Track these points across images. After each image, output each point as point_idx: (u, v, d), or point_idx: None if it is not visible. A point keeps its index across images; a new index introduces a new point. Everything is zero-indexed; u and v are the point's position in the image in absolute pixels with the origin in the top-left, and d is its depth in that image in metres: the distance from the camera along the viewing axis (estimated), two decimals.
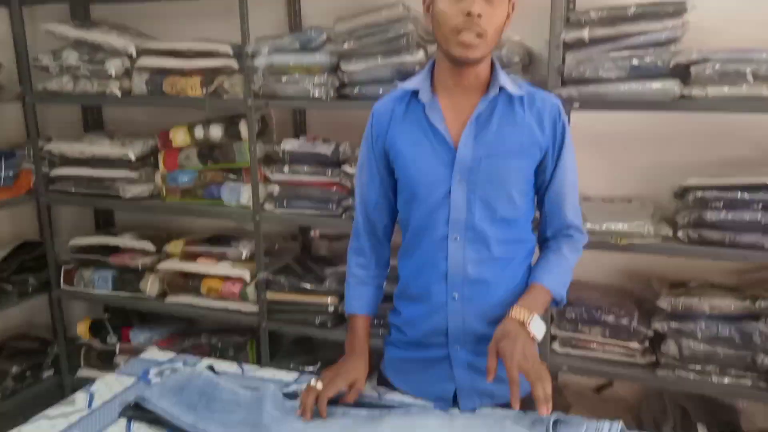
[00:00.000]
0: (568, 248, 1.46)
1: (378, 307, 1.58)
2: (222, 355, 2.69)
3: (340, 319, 2.36)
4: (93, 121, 2.95)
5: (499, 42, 1.96)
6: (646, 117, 2.11)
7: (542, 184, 1.45)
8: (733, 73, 1.75)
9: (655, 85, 1.79)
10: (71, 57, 2.50)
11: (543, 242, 1.52)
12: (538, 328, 1.30)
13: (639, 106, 1.86)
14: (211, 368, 1.59)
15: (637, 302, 2.19)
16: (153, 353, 1.76)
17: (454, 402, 1.46)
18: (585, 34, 1.86)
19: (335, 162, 2.28)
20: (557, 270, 1.43)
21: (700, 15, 1.83)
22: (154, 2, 2.69)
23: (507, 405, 1.43)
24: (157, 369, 1.61)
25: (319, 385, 1.38)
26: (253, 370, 1.64)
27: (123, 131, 2.76)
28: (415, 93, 1.41)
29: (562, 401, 2.33)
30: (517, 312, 1.31)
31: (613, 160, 2.24)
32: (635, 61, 1.80)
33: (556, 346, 2.13)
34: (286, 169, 2.33)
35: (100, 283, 2.74)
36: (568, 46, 1.92)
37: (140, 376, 1.58)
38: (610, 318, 2.04)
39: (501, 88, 1.36)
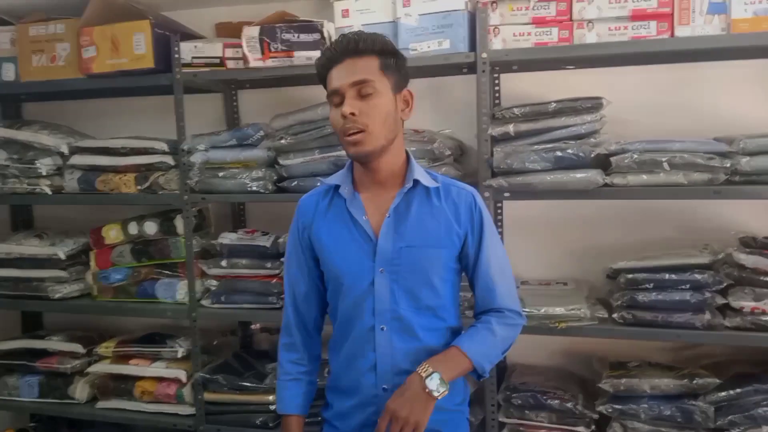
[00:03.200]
0: (498, 322, 1.45)
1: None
2: None
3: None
4: (22, 220, 2.86)
5: (430, 136, 2.06)
6: (574, 203, 2.19)
7: (469, 271, 1.48)
8: (650, 162, 1.85)
9: (579, 175, 1.87)
10: (0, 156, 2.44)
11: None
12: (435, 384, 1.31)
13: (565, 195, 1.94)
14: None
15: (581, 384, 2.20)
16: None
17: None
18: (510, 128, 1.94)
19: (275, 254, 2.26)
20: (480, 339, 1.43)
21: (616, 108, 1.95)
22: (88, 100, 2.70)
23: None
24: None
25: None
26: None
27: (54, 230, 2.67)
28: (337, 188, 1.46)
29: None
30: (421, 367, 1.34)
31: (546, 244, 2.31)
32: (558, 153, 1.88)
33: None
34: (224, 263, 2.29)
35: (25, 390, 2.57)
36: (495, 140, 2.00)
37: None
38: (556, 402, 2.03)
39: (416, 181, 1.42)
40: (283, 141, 2.16)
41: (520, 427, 2.09)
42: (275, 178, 2.23)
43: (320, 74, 1.41)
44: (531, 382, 2.13)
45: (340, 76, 1.34)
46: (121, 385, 2.45)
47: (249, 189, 2.20)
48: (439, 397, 1.31)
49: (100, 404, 2.49)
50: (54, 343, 2.59)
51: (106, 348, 2.49)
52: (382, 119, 1.35)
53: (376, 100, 1.34)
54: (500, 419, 2.09)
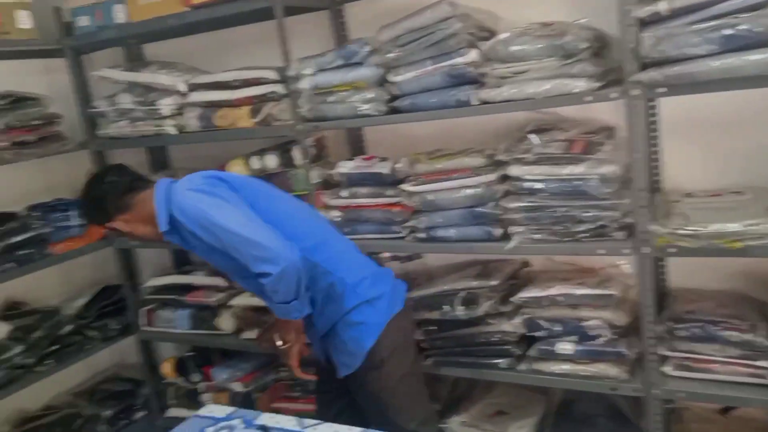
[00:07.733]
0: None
1: None
2: (304, 388, 2.63)
3: None
4: (159, 160, 2.98)
5: (560, 29, 1.75)
6: (750, 94, 1.77)
7: None
8: None
9: (755, 57, 1.49)
10: (125, 100, 2.51)
11: None
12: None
13: (737, 84, 1.57)
14: (263, 429, 1.50)
15: (762, 311, 1.89)
16: (211, 409, 1.72)
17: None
18: (661, 6, 1.59)
19: (395, 180, 2.12)
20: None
21: None
22: (198, 35, 2.66)
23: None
24: (213, 429, 1.57)
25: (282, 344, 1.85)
26: (312, 425, 1.54)
27: (187, 168, 2.73)
28: None
29: (683, 429, 2.05)
30: None
31: (714, 147, 1.98)
32: (728, 31, 1.51)
33: (668, 368, 1.86)
34: (344, 193, 2.21)
35: (179, 322, 2.76)
36: (643, 23, 1.66)
37: None
38: (731, 333, 1.77)
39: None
40: (391, 54, 1.96)
41: (686, 361, 1.85)
42: (387, 97, 2.05)
43: None
44: (699, 310, 1.87)
45: None
46: (262, 316, 2.50)
47: (360, 113, 2.05)
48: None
49: (245, 335, 2.58)
50: (198, 278, 2.73)
51: None
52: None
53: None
54: (662, 353, 1.85)
